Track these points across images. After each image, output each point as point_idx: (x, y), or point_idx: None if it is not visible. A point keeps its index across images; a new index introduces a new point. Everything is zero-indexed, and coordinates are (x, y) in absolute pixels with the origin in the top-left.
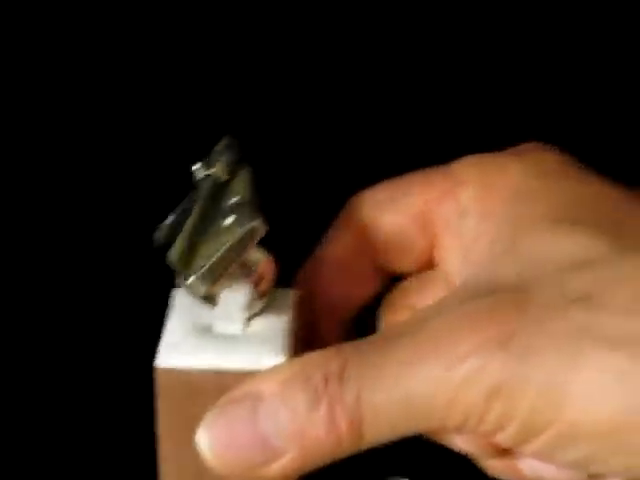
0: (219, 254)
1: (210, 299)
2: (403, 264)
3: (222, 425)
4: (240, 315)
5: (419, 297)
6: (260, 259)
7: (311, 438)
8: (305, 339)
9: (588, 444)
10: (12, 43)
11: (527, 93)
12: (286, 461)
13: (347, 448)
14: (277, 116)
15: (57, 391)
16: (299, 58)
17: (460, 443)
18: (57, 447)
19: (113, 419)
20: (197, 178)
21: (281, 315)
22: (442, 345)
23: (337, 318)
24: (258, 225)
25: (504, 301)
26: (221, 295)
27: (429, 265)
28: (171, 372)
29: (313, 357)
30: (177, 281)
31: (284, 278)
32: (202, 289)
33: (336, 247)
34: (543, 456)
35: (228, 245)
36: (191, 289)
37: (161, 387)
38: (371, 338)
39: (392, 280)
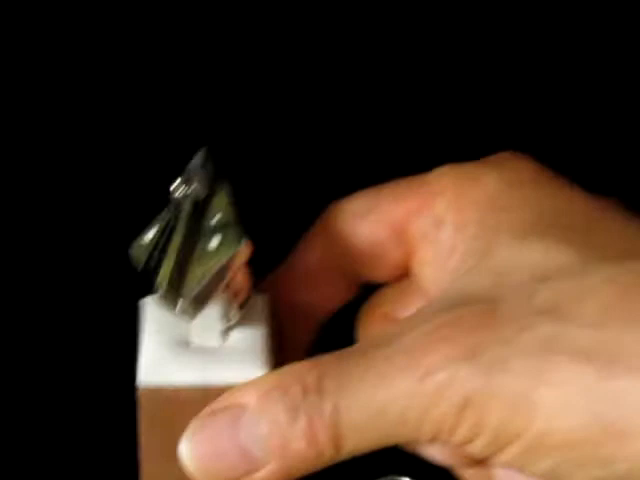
0: (208, 278)
1: (187, 312)
2: (378, 274)
3: (204, 437)
4: (218, 327)
5: (396, 306)
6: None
7: (291, 449)
8: (277, 343)
9: (556, 456)
10: (11, 43)
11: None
12: (267, 472)
13: (327, 459)
14: (253, 125)
15: (32, 404)
16: (279, 62)
17: (435, 454)
18: (35, 464)
19: (93, 435)
20: (176, 196)
21: (257, 325)
22: (414, 358)
23: (307, 324)
24: (244, 248)
25: (474, 313)
26: None
27: (405, 274)
28: (154, 390)
29: (292, 369)
30: (159, 299)
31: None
32: (193, 313)
33: (308, 255)
34: (515, 467)
35: (217, 269)
36: (182, 313)
37: (144, 405)
38: (348, 350)
39: (373, 288)
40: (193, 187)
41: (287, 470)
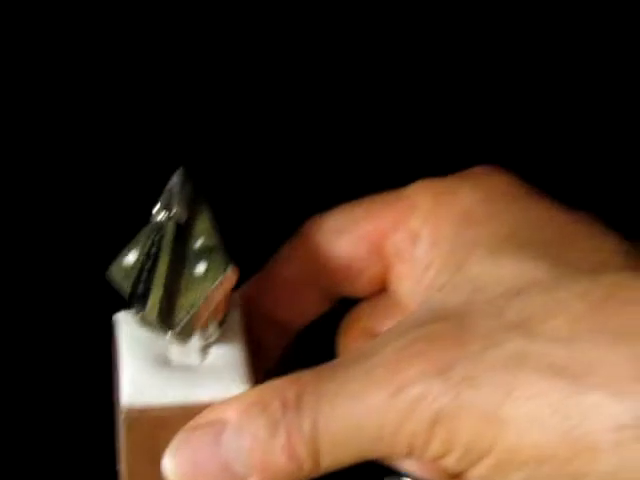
0: (197, 306)
1: (178, 340)
2: (356, 289)
3: (187, 451)
4: (197, 345)
5: (374, 321)
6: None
7: (272, 464)
8: (252, 355)
9: (526, 471)
10: (11, 43)
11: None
12: None
13: (307, 473)
14: (227, 140)
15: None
16: (255, 80)
17: (413, 469)
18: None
19: (68, 451)
20: (157, 220)
21: (234, 340)
22: (388, 373)
23: (280, 335)
24: (231, 273)
25: (446, 329)
26: None
27: (384, 289)
28: (138, 412)
29: (272, 385)
30: (144, 324)
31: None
32: (183, 341)
33: (284, 268)
34: None
35: (206, 296)
36: (173, 341)
37: (128, 426)
38: (327, 365)
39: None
40: (174, 211)
41: None
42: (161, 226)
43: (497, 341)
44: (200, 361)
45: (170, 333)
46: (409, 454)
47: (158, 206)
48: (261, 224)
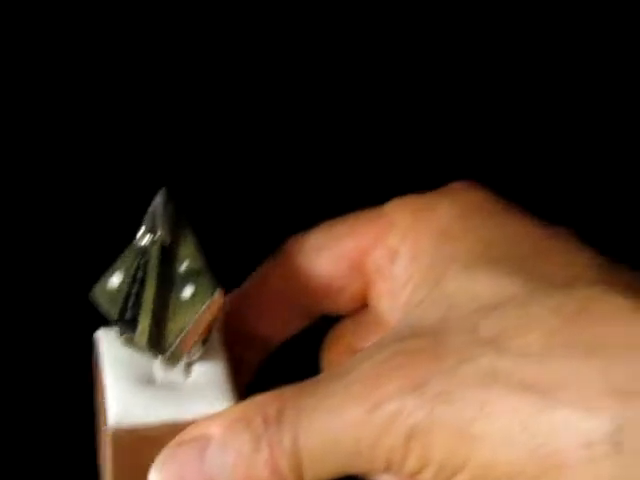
0: (187, 330)
1: (168, 364)
2: (337, 306)
3: (173, 467)
4: (181, 363)
5: (358, 337)
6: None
7: (255, 478)
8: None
9: None
10: (10, 43)
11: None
12: None
13: None
14: (206, 158)
15: None
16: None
17: None
18: None
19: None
20: (142, 244)
21: (217, 357)
22: (366, 389)
23: (258, 350)
24: (218, 297)
25: (421, 345)
26: None
27: (365, 305)
28: (125, 431)
29: (255, 401)
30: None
31: None
32: (173, 364)
33: (265, 284)
34: None
35: (194, 320)
36: (163, 365)
37: (114, 445)
38: (309, 381)
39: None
40: (159, 234)
41: None
42: (145, 249)
43: (470, 357)
44: (184, 379)
45: (160, 358)
46: (387, 469)
47: (142, 229)
48: (242, 243)
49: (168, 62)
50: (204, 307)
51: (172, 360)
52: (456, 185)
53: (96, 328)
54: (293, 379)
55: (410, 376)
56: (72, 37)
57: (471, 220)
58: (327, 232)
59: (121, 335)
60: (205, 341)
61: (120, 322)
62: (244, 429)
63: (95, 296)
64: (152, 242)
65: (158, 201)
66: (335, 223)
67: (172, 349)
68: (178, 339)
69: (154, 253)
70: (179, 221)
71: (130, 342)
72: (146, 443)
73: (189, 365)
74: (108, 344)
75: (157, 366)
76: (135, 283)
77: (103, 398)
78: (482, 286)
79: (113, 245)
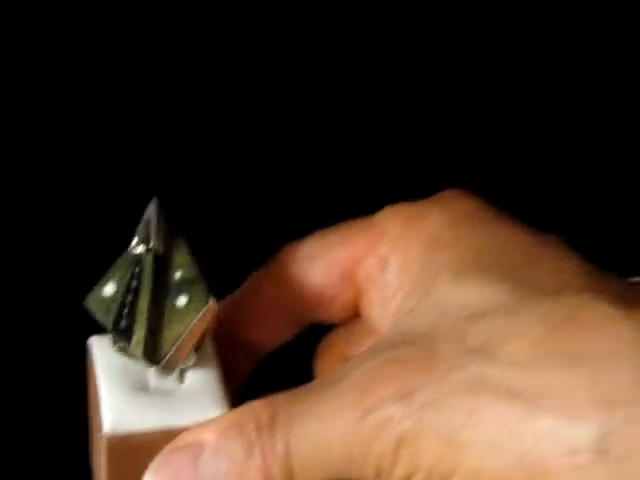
0: (182, 339)
1: (163, 373)
2: (329, 315)
3: (167, 473)
4: (176, 370)
5: (348, 346)
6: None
7: None
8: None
9: None
10: (10, 43)
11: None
12: None
13: None
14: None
15: None
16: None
17: None
18: None
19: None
20: (135, 253)
21: (210, 364)
22: (357, 396)
23: (248, 357)
24: (212, 305)
25: (411, 353)
26: None
27: (357, 314)
28: (120, 438)
29: (248, 407)
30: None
31: None
32: (169, 372)
33: (257, 291)
34: None
35: (190, 329)
36: (158, 374)
37: (109, 451)
38: (302, 388)
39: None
40: (152, 244)
41: None
42: (139, 258)
43: (459, 365)
44: (178, 386)
45: (155, 367)
46: (377, 476)
47: (136, 239)
48: (235, 251)
49: (161, 71)
50: (199, 315)
51: (167, 368)
52: (447, 193)
53: (90, 334)
54: (286, 386)
55: (400, 384)
56: (65, 44)
57: (462, 228)
58: (320, 241)
59: (115, 344)
60: (198, 348)
61: (114, 331)
62: (237, 435)
63: (89, 304)
64: (146, 251)
65: (151, 210)
66: (328, 232)
67: (167, 358)
68: (174, 348)
69: (148, 262)
70: (172, 230)
71: (124, 351)
72: (140, 450)
73: (182, 372)
74: (101, 351)
75: (151, 373)
76: (129, 292)
77: (97, 405)
78: (472, 294)
79: (106, 253)
